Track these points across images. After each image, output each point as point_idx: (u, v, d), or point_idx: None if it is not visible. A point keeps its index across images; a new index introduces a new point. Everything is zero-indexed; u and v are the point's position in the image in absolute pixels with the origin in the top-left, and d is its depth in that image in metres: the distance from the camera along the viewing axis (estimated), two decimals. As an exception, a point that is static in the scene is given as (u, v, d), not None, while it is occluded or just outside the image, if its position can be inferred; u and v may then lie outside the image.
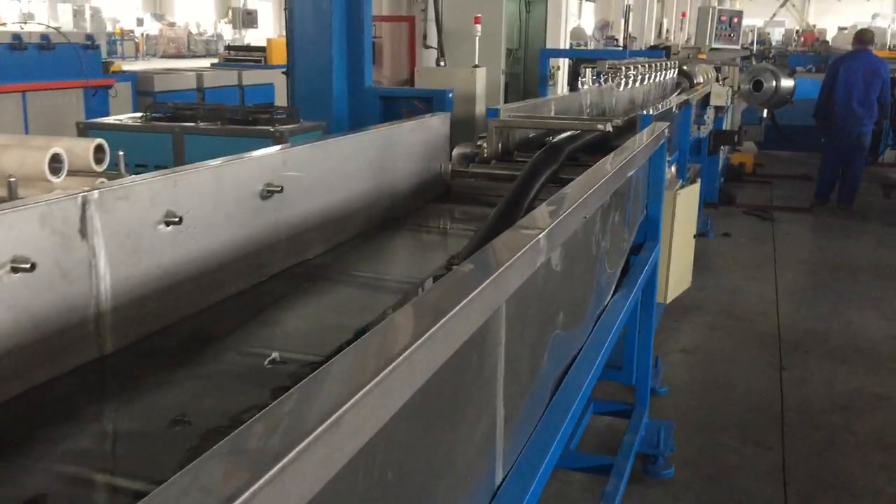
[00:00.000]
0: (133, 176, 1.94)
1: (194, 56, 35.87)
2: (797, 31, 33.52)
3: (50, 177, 2.82)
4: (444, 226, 3.28)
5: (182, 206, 1.99)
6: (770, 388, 4.41)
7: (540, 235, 1.51)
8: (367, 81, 6.84)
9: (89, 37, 11.70)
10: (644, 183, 3.42)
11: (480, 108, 7.59)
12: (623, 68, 4.56)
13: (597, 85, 4.85)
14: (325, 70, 6.68)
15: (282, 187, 2.36)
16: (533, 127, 4.11)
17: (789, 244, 7.61)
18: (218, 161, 2.17)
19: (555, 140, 3.91)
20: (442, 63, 7.97)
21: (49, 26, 12.29)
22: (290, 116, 5.37)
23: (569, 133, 4.05)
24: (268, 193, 2.35)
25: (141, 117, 5.39)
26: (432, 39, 8.72)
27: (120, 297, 1.81)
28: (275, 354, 1.95)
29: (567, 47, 12.63)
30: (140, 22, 42.78)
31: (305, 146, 2.56)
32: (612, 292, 2.82)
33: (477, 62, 7.70)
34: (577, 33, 22.50)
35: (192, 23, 42.79)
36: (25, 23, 26.62)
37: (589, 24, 27.43)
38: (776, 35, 31.94)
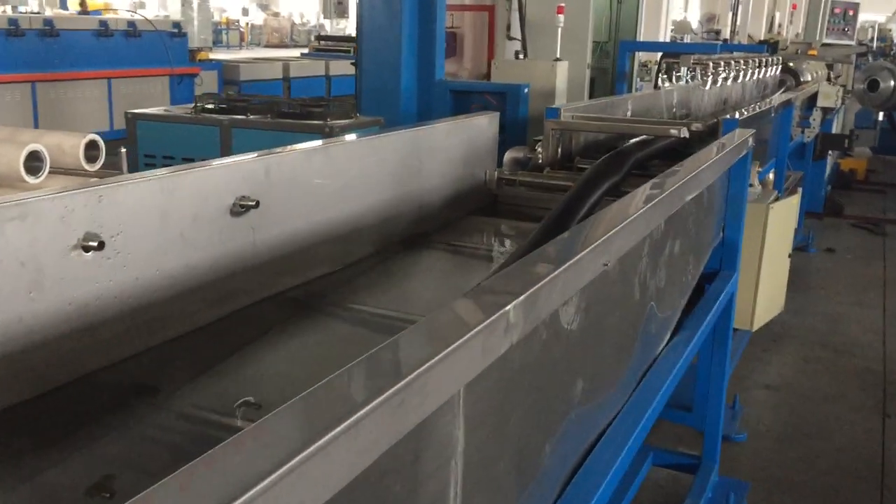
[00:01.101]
0: (44, 189, 1.57)
1: (296, 46, 36.34)
2: (919, 26, 31.42)
3: (26, 177, 2.51)
4: (480, 244, 2.83)
5: (109, 228, 1.61)
6: (870, 441, 3.78)
7: (508, 307, 1.05)
8: (437, 74, 6.42)
9: (176, 24, 11.69)
10: (721, 200, 2.88)
11: (561, 104, 7.07)
12: (711, 64, 3.99)
13: (682, 83, 4.29)
14: (393, 61, 6.29)
15: (257, 202, 1.96)
16: (596, 130, 3.60)
17: (902, 264, 6.81)
18: (164, 171, 1.78)
19: (622, 146, 3.40)
20: (521, 56, 7.47)
21: (135, 13, 12.37)
22: (345, 110, 5.00)
23: (641, 138, 3.54)
24: (241, 209, 1.96)
25: (192, 108, 5.12)
26: (516, 31, 8.24)
27: (10, 342, 1.45)
28: (220, 418, 1.56)
29: (668, 41, 11.92)
30: (245, 12, 43.76)
31: (297, 151, 2.15)
32: (668, 337, 2.31)
33: (559, 55, 7.19)
34: (681, 26, 21.50)
35: (296, 13, 43.48)
36: (135, 11, 27.40)
37: (696, 18, 26.26)
38: (897, 31, 30.00)
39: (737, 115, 3.37)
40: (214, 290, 1.90)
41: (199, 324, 1.86)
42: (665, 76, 4.24)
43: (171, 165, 4.80)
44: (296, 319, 2.06)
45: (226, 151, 4.87)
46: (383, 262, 2.48)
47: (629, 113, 4.36)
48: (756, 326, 4.59)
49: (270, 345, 1.91)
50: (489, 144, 3.25)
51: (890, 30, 29.27)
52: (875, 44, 17.74)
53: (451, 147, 2.93)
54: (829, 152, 8.12)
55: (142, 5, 28.82)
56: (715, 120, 4.81)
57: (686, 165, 2.22)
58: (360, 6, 6.40)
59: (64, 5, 17.92)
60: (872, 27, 21.80)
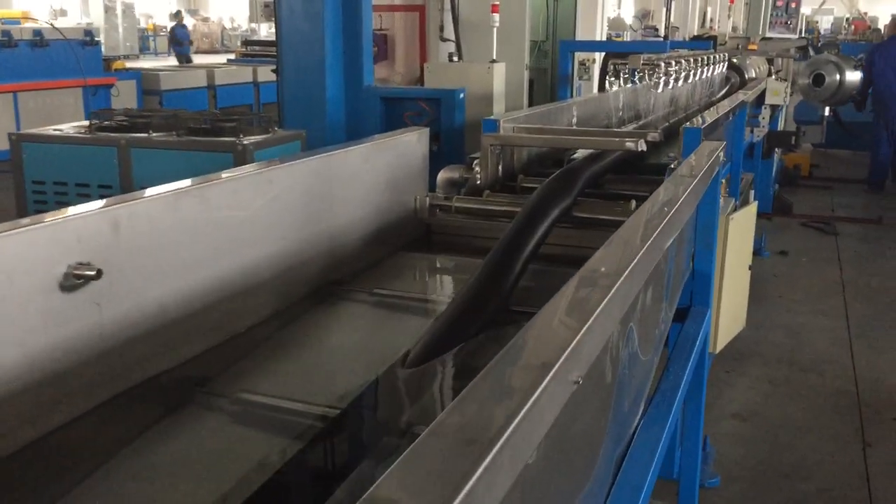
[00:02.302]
0: None
1: (228, 51, 35.47)
2: (847, 20, 32.08)
3: None
4: (409, 290, 2.35)
5: None
6: (852, 476, 3.42)
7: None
8: (366, 80, 5.94)
9: (88, 32, 10.95)
10: (690, 228, 2.46)
11: (500, 109, 6.64)
12: (663, 64, 3.60)
13: (629, 85, 3.89)
14: (316, 67, 5.79)
15: (99, 270, 1.46)
16: (541, 145, 3.16)
17: (858, 265, 6.54)
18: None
19: (571, 162, 2.96)
20: (455, 58, 7.02)
21: (47, 22, 11.59)
22: (262, 125, 4.48)
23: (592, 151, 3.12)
24: (77, 280, 1.45)
25: (87, 127, 4.54)
26: (450, 32, 7.78)
27: None
28: None
29: (604, 39, 11.61)
30: (172, 17, 42.74)
31: (158, 197, 1.65)
32: (642, 406, 1.87)
33: (495, 57, 6.76)
34: (616, 24, 21.36)
35: (227, 18, 42.50)
36: (55, 19, 26.24)
37: (629, 15, 26.22)
38: (825, 24, 30.57)
39: (697, 122, 2.95)
40: (35, 397, 1.39)
41: (9, 450, 1.35)
42: (612, 78, 3.84)
43: (63, 192, 4.10)
44: (163, 425, 1.56)
45: (125, 175, 4.31)
46: (285, 326, 1.99)
47: (575, 120, 3.94)
48: (719, 348, 4.20)
49: (117, 472, 1.40)
50: (418, 165, 2.78)
51: (817, 21, 29.71)
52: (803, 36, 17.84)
53: (372, 172, 2.45)
54: (776, 149, 7.86)
55: (63, 13, 27.70)
56: (669, 124, 4.43)
57: (658, 207, 1.78)
58: (277, 7, 5.88)
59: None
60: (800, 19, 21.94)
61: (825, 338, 4.96)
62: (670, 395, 1.99)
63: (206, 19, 42.43)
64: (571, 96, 7.77)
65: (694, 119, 3.06)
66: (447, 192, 3.03)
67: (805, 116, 9.74)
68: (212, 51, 36.54)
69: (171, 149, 4.26)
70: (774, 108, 6.72)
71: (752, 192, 6.08)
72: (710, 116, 3.21)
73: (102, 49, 20.71)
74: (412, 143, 2.69)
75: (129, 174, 4.30)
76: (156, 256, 1.64)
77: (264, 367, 1.79)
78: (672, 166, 2.69)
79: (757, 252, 6.49)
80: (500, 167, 3.09)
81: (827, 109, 8.95)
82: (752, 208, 4.64)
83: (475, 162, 2.97)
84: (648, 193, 2.96)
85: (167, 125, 4.45)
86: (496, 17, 6.61)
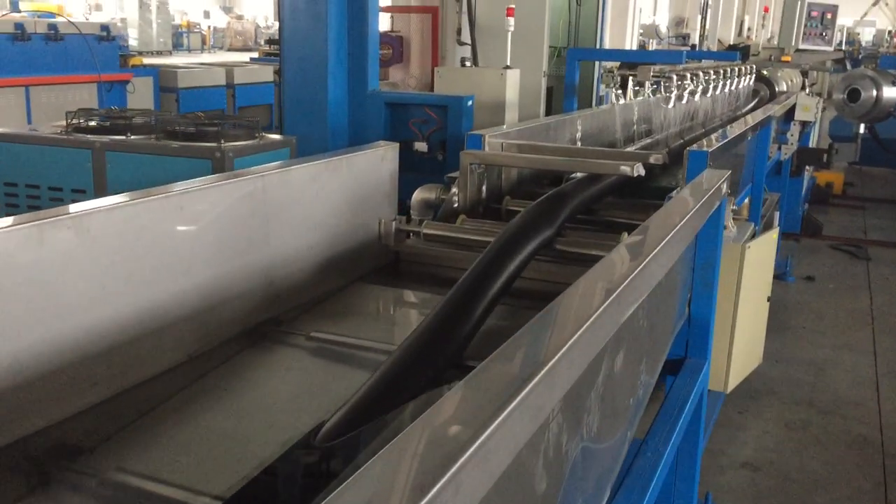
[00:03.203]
0: None
1: (261, 49, 35.53)
2: (889, 32, 31.33)
3: None
4: (358, 331, 2.04)
5: None
6: (873, 543, 3.06)
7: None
8: (371, 84, 5.66)
9: (104, 27, 10.77)
10: (687, 269, 2.13)
11: (512, 117, 6.32)
12: (675, 77, 3.27)
13: (641, 98, 3.56)
14: (318, 70, 5.52)
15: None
16: (524, 166, 2.84)
17: (890, 294, 6.12)
18: None
19: (562, 185, 2.64)
20: (468, 63, 6.71)
21: (62, 16, 11.45)
22: (248, 129, 4.20)
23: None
24: None
25: (64, 126, 4.29)
26: (468, 35, 7.48)
27: None
28: None
29: (635, 47, 11.25)
30: (207, 14, 42.97)
31: (20, 228, 1.36)
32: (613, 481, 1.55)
33: (509, 62, 6.44)
34: (649, 31, 20.90)
35: (261, 16, 42.60)
36: (91, 14, 26.37)
37: (665, 21, 25.69)
38: (866, 35, 29.85)
39: (705, 145, 2.61)
40: None
41: None
42: (619, 91, 3.51)
43: (35, 196, 3.77)
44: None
45: (99, 179, 4.05)
46: (195, 380, 1.69)
47: (579, 135, 3.61)
48: (731, 387, 3.86)
49: None
50: (384, 185, 2.47)
51: (858, 34, 29.02)
52: (843, 48, 17.31)
53: (324, 194, 2.15)
54: (807, 167, 7.46)
55: (98, 7, 27.84)
56: (681, 143, 4.09)
57: (633, 254, 1.46)
58: (280, 6, 5.63)
59: (16, 7, 16.90)
60: (841, 31, 21.37)
61: (850, 376, 4.58)
62: (647, 474, 1.67)
63: (239, 17, 42.59)
64: (595, 105, 7.43)
65: (702, 140, 2.72)
66: (422, 214, 2.73)
67: (840, 132, 9.29)
68: (245, 48, 36.58)
69: (147, 153, 4.00)
70: (805, 125, 6.33)
71: (776, 214, 5.71)
72: (720, 138, 2.86)
73: (135, 44, 20.53)
74: (375, 160, 2.38)
75: (104, 179, 4.04)
76: (17, 299, 1.35)
77: (155, 434, 1.49)
78: (673, 195, 2.36)
79: (781, 276, 6.12)
80: (483, 188, 2.78)
81: (862, 126, 8.51)
82: (773, 234, 4.28)
83: (454, 182, 2.67)
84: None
85: (147, 127, 4.19)
86: (511, 20, 6.28)
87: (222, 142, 3.95)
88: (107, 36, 10.68)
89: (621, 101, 3.57)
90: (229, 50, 35.75)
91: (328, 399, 1.65)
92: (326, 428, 1.48)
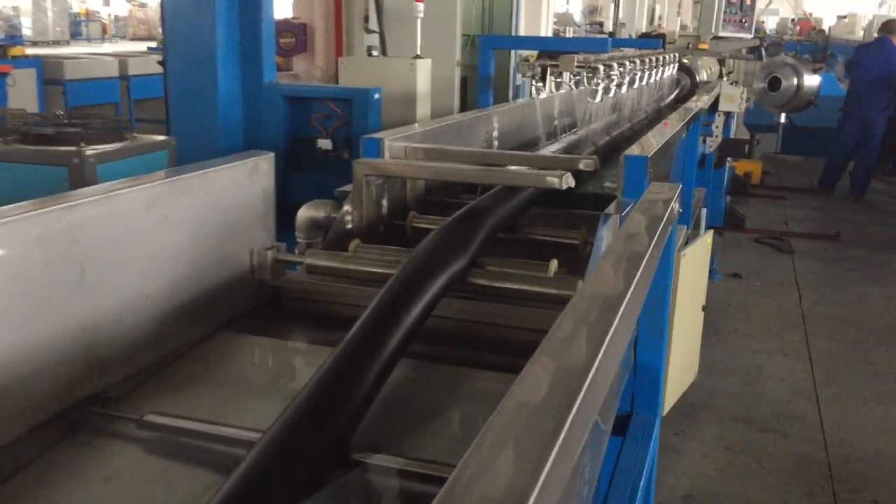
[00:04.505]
0: None
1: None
2: (792, 20, 32.16)
3: None
4: (211, 414, 1.55)
5: None
6: (831, 589, 2.74)
7: None
8: (267, 76, 5.09)
9: (-23, 15, 9.83)
10: (633, 311, 1.72)
11: (424, 111, 5.86)
12: (602, 67, 2.88)
13: (563, 90, 3.16)
14: (206, 59, 4.91)
15: None
16: (430, 177, 2.38)
17: (818, 290, 5.92)
18: None
19: (476, 200, 2.19)
20: (375, 53, 6.22)
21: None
22: (114, 130, 3.63)
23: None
24: None
25: None
26: (376, 23, 6.97)
27: None
28: None
29: (550, 35, 10.92)
30: (107, 2, 41.22)
31: None
32: None
33: (419, 52, 5.98)
34: (564, 19, 20.74)
35: (165, 3, 41.04)
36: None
37: (579, 11, 25.63)
38: (770, 24, 30.53)
39: (643, 148, 2.20)
40: None
41: None
42: (539, 83, 3.10)
43: None
44: None
45: (-68, 193, 3.42)
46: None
47: (496, 133, 3.18)
48: (666, 410, 3.51)
49: None
50: (257, 206, 1.98)
51: (763, 21, 29.60)
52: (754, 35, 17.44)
53: (164, 224, 1.65)
54: (728, 158, 7.24)
55: (-9, -4, 26.17)
56: (610, 138, 3.70)
57: (589, 321, 1.03)
58: (161, -12, 5.03)
59: None
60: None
61: (787, 385, 4.30)
62: None
63: (143, 5, 40.93)
64: (512, 98, 7.03)
65: (640, 142, 2.31)
66: (310, 236, 2.25)
67: (757, 121, 9.14)
68: (150, 37, 35.11)
69: (-6, 160, 3.40)
70: (728, 115, 6.07)
71: (704, 211, 5.42)
72: (658, 137, 2.47)
73: (29, 33, 19.20)
74: (241, 176, 1.89)
75: (-64, 193, 3.42)
76: None
77: None
78: (610, 211, 1.95)
79: (708, 274, 5.85)
80: (383, 202, 2.32)
81: (783, 116, 8.38)
82: (707, 239, 3.95)
83: (347, 198, 2.20)
84: (577, 241, 2.24)
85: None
86: (420, 6, 5.81)
87: (82, 145, 3.38)
88: (-20, 24, 9.74)
89: (542, 95, 3.16)
90: (132, 39, 34.21)
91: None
92: None
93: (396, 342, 1.50)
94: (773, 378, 4.39)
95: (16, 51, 10.73)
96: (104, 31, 35.15)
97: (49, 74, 10.72)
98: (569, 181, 2.02)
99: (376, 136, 2.34)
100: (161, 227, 1.63)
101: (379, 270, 1.89)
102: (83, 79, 11.00)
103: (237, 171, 1.87)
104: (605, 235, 1.90)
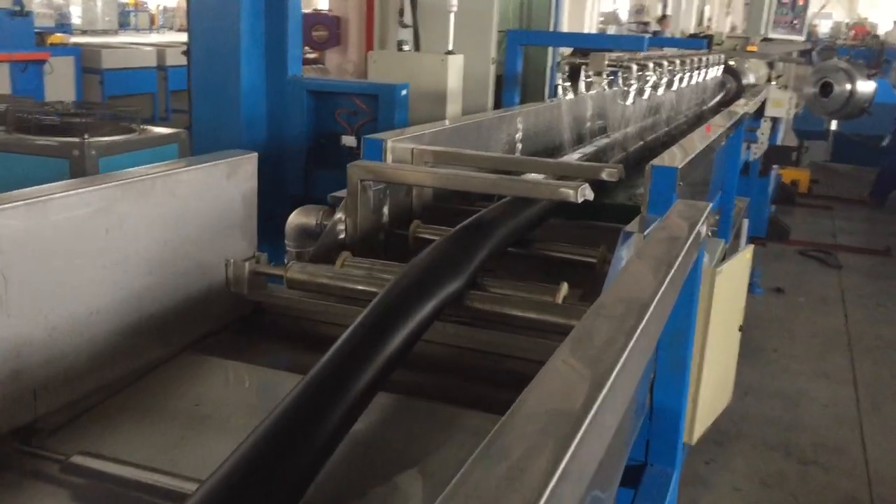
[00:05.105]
0: None
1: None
2: (846, 24, 31.34)
3: None
4: (150, 456, 1.35)
5: None
6: None
7: None
8: (291, 70, 4.91)
9: (17, 1, 9.84)
10: (649, 347, 1.49)
11: (455, 109, 5.65)
12: (634, 66, 2.63)
13: (593, 91, 2.92)
14: (230, 51, 4.76)
15: None
16: (432, 184, 2.17)
17: (866, 309, 5.59)
18: None
19: (484, 211, 1.97)
20: (406, 47, 6.01)
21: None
22: (123, 120, 3.48)
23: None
24: None
25: None
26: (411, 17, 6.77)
27: None
28: None
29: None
30: (155, -8, 41.72)
31: None
32: None
33: (451, 47, 5.76)
34: (611, 18, 20.37)
35: (212, -5, 41.40)
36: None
37: (625, 10, 25.17)
38: (823, 28, 29.78)
39: (674, 158, 1.97)
40: None
41: None
42: (567, 83, 2.86)
43: None
44: None
45: (-67, 182, 3.30)
46: None
47: (519, 136, 2.96)
48: (696, 437, 3.24)
49: None
50: (235, 212, 1.78)
51: (815, 25, 28.84)
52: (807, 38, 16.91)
53: (125, 231, 1.46)
54: (773, 166, 6.92)
55: (42, -15, 26.54)
56: (641, 145, 3.46)
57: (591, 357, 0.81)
58: (186, -23, 4.88)
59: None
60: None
61: (829, 413, 4.01)
62: None
63: (190, -4, 41.30)
64: (550, 98, 6.78)
65: (669, 151, 2.07)
66: (300, 244, 2.06)
67: (807, 127, 8.77)
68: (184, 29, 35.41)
69: (-5, 150, 3.26)
70: (775, 121, 5.76)
71: (745, 222, 5.14)
72: (692, 145, 2.22)
73: (79, 22, 19.41)
74: (216, 178, 1.69)
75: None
76: None
77: None
78: (630, 228, 1.72)
79: (749, 288, 5.55)
80: (384, 209, 2.11)
81: (834, 123, 8.00)
82: (747, 254, 3.66)
83: (340, 205, 1.99)
84: (595, 260, 2.01)
85: (2, 118, 3.44)
86: (454, 0, 5.61)
87: (86, 137, 3.22)
88: (20, 11, 9.75)
89: (569, 95, 2.92)
90: (179, 30, 34.51)
91: None
92: None
93: (371, 376, 1.30)
94: (815, 404, 4.10)
95: (54, 38, 10.73)
96: (152, 21, 35.51)
97: (87, 63, 10.72)
98: (586, 194, 1.80)
99: (378, 136, 2.13)
100: (113, 235, 1.43)
101: (366, 288, 1.68)
102: (121, 68, 10.98)
103: (211, 172, 1.67)
104: (625, 256, 1.67)
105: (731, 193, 4.03)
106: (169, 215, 1.56)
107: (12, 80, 9.57)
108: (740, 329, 3.68)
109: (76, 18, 20.74)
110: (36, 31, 10.31)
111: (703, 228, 1.47)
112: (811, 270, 6.41)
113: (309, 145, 4.78)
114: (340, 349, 1.32)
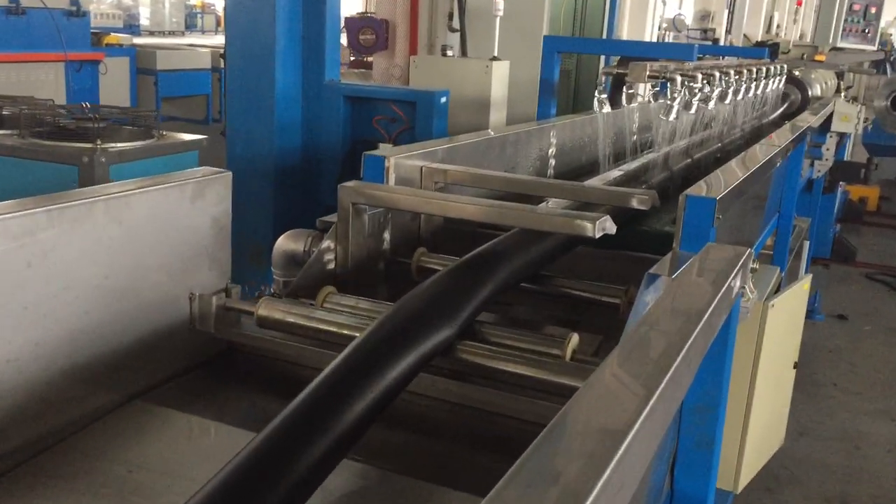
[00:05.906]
0: None
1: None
2: (923, 34, 30.16)
3: None
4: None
5: None
6: None
7: None
8: (328, 74, 4.74)
9: (74, 2, 9.90)
10: (665, 415, 1.23)
11: (499, 118, 5.41)
12: (679, 77, 2.37)
13: (634, 104, 2.66)
14: (265, 54, 4.62)
15: None
16: (426, 211, 1.92)
17: (938, 341, 5.17)
18: None
19: (493, 241, 1.73)
20: (451, 52, 5.79)
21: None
22: (138, 126, 3.33)
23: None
24: None
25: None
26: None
27: None
28: None
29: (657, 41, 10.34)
30: (222, -5, 42.45)
31: None
32: None
33: (497, 53, 5.53)
34: (676, 25, 19.82)
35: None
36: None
37: (690, 16, 24.55)
38: (901, 36, 28.70)
39: (711, 187, 1.70)
40: None
41: None
42: (603, 96, 2.61)
43: None
44: None
45: (-58, 187, 3.19)
46: None
47: (553, 150, 2.71)
48: (742, 485, 2.94)
49: None
50: (203, 239, 1.57)
51: (891, 34, 27.83)
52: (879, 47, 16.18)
53: (55, 263, 1.26)
54: (840, 182, 6.50)
55: (116, -11, 27.15)
56: (687, 163, 3.17)
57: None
58: (222, -21, 4.74)
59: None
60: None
61: (893, 460, 3.65)
62: None
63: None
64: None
65: (709, 178, 1.81)
66: (287, 273, 1.84)
67: (877, 142, 8.29)
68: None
69: (6, 155, 3.14)
70: (842, 136, 5.38)
71: (806, 245, 4.77)
72: (736, 171, 1.95)
73: (147, 24, 19.73)
74: (178, 201, 1.48)
75: (-55, 188, 3.18)
76: None
77: None
78: (655, 270, 1.46)
79: (808, 314, 5.17)
80: (384, 235, 1.89)
81: (905, 139, 7.54)
82: (804, 284, 3.34)
83: (328, 231, 1.77)
84: (619, 301, 1.75)
85: (13, 121, 3.32)
86: (500, 3, 5.38)
87: (99, 142, 3.07)
88: (76, 12, 9.80)
89: (605, 109, 2.66)
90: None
91: None
92: None
93: (332, 440, 1.08)
94: (878, 448, 3.74)
95: (110, 38, 10.80)
96: (218, 23, 36.06)
97: (142, 64, 10.75)
98: (605, 227, 1.54)
99: (379, 153, 1.91)
100: (37, 270, 1.24)
101: (342, 332, 1.46)
102: (175, 69, 11.00)
103: (169, 194, 1.46)
104: (650, 301, 1.41)
105: (789, 214, 3.70)
106: (112, 245, 1.36)
107: (67, 79, 9.64)
108: (795, 366, 3.36)
109: (144, 20, 21.14)
110: (93, 31, 10.37)
111: (737, 281, 1.21)
112: (878, 295, 5.99)
113: (345, 153, 4.60)
114: (299, 409, 1.11)
